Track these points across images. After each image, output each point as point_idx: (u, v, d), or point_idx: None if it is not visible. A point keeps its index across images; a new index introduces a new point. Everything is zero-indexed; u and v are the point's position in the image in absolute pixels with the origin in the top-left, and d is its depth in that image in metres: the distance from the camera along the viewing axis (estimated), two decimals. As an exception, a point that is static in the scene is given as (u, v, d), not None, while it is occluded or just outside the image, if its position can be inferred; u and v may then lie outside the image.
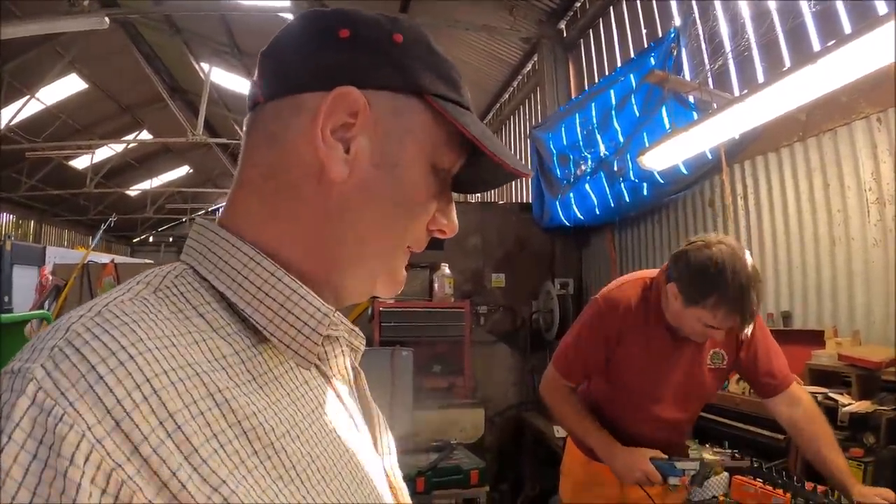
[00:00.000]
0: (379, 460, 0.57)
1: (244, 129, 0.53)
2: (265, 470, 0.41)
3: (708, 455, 2.35)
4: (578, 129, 4.00)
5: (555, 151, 4.26)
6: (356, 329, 0.55)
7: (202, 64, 7.93)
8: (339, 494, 0.46)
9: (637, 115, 3.39)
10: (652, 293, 1.72)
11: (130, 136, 10.30)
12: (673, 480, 1.64)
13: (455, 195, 0.60)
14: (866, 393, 2.03)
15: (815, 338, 2.33)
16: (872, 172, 2.38)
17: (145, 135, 10.61)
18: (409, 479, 2.85)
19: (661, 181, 3.40)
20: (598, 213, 3.95)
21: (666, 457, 1.67)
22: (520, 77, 6.51)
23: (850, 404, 1.93)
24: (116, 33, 6.56)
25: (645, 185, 3.52)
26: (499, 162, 0.52)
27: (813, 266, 2.62)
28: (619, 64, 4.34)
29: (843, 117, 2.44)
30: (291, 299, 0.48)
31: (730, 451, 2.53)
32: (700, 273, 1.52)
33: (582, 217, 4.11)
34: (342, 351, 0.54)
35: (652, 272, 1.79)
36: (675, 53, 3.15)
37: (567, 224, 4.23)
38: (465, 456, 3.17)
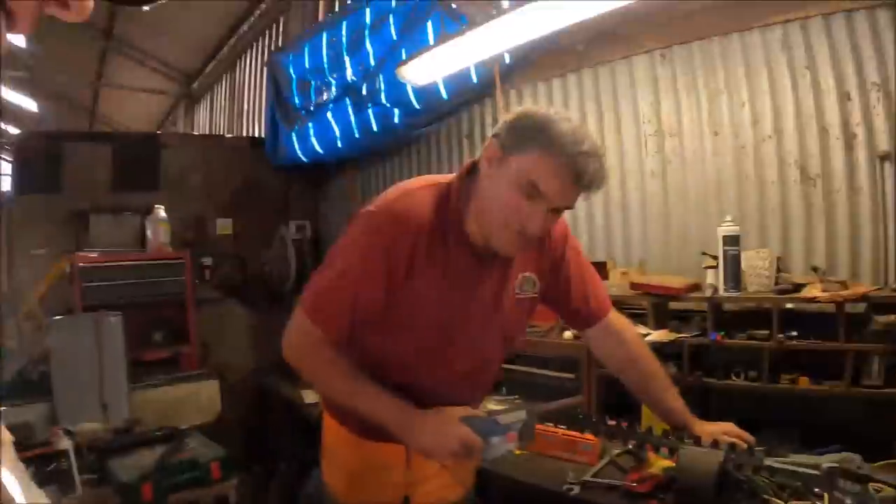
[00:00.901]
0: None
1: None
2: None
3: (493, 405, 2.21)
4: (325, 52, 3.46)
5: (294, 77, 3.67)
6: None
7: None
8: None
9: (394, 37, 3.02)
10: (451, 202, 1.30)
11: None
12: (497, 441, 1.28)
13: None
14: (660, 322, 2.11)
15: (598, 270, 2.35)
16: (652, 103, 2.49)
17: None
18: (133, 488, 2.12)
19: (417, 107, 3.13)
20: (340, 146, 3.54)
21: (479, 413, 1.33)
22: (263, 4, 5.55)
23: (648, 334, 1.96)
24: None
25: (397, 112, 3.20)
26: None
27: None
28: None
29: (625, 51, 2.46)
30: None
31: (509, 397, 2.45)
32: (529, 116, 1.24)
33: (322, 152, 3.65)
34: None
35: (444, 176, 1.39)
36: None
37: (304, 160, 3.72)
38: (201, 444, 2.52)
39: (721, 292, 2.08)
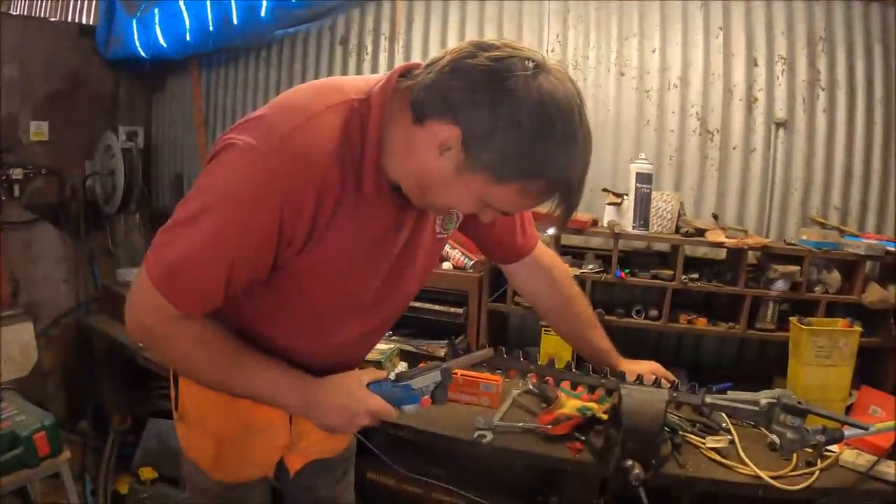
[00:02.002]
0: None
1: None
2: None
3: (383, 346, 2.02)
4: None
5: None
6: None
7: None
8: None
9: None
10: (369, 135, 0.94)
11: None
12: (411, 409, 1.12)
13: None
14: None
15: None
16: (559, 34, 2.44)
17: None
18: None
19: (294, 2, 2.66)
20: (189, 40, 2.90)
21: (387, 375, 1.12)
22: None
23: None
24: None
25: (266, 3, 2.68)
26: None
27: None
28: None
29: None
30: None
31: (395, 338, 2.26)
32: (538, 122, 0.87)
33: (165, 45, 2.96)
34: None
35: (350, 83, 0.99)
36: None
37: (143, 55, 3.01)
38: (18, 409, 1.99)
39: (629, 229, 2.07)
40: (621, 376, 1.41)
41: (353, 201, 0.96)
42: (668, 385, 1.41)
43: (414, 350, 2.19)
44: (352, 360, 1.22)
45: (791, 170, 2.31)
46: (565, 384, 1.71)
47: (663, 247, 2.35)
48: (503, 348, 1.44)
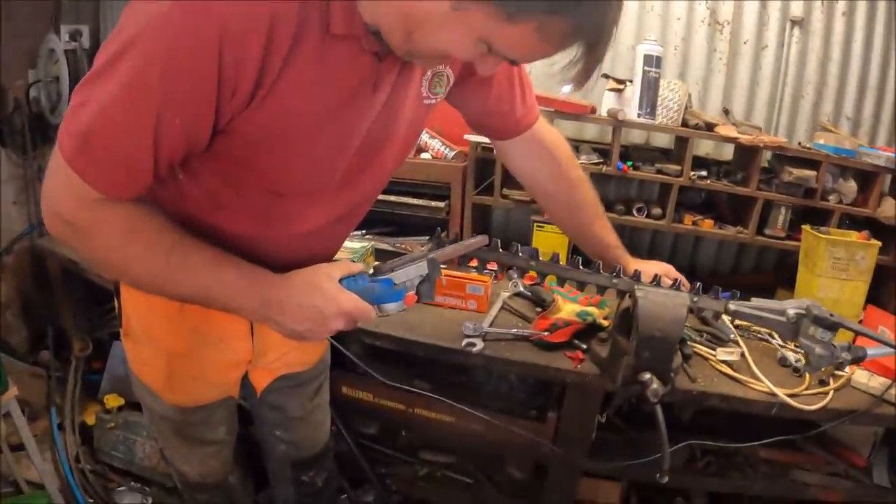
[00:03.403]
0: None
1: None
2: None
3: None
4: None
5: None
6: None
7: None
8: None
9: None
10: None
11: None
12: (393, 307, 0.94)
13: None
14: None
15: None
16: None
17: None
18: None
19: None
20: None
21: (363, 268, 0.93)
22: None
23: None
24: None
25: None
26: None
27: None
28: None
29: None
30: None
31: (359, 232, 2.03)
32: None
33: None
34: None
35: None
36: None
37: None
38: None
39: (634, 117, 1.85)
40: (636, 276, 1.23)
41: (317, 43, 0.75)
42: (688, 289, 1.24)
43: (390, 248, 2.00)
44: (319, 254, 1.02)
45: (804, 72, 2.13)
46: (567, 289, 1.54)
47: (663, 142, 2.16)
48: (498, 240, 1.25)
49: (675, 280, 1.26)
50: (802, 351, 1.24)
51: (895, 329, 1.58)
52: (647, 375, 1.16)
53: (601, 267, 1.24)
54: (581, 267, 1.25)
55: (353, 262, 0.96)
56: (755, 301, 1.26)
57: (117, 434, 2.11)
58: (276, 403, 1.28)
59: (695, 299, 1.22)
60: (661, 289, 1.22)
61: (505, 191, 1.96)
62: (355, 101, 0.84)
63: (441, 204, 2.03)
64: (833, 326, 1.19)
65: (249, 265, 0.86)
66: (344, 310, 0.87)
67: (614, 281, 1.23)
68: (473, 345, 1.46)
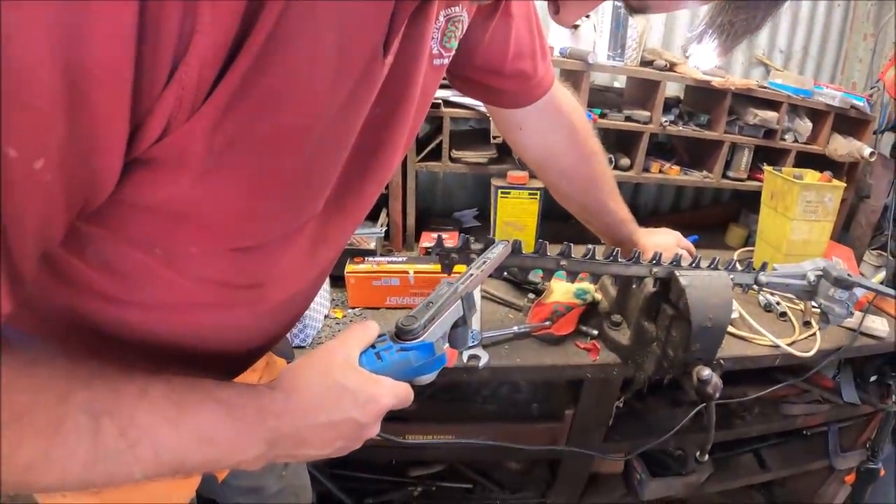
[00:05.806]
0: None
1: None
2: None
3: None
4: None
5: None
6: None
7: None
8: None
9: None
10: None
11: None
12: (431, 377, 0.69)
13: None
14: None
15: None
16: None
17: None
18: None
19: None
20: None
21: (380, 330, 0.67)
22: None
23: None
24: None
25: None
26: None
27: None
28: None
29: None
30: None
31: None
32: None
33: None
34: None
35: None
36: None
37: None
38: None
39: (603, 60, 1.70)
40: (676, 261, 1.14)
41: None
42: (709, 263, 1.18)
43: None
44: (286, 325, 0.75)
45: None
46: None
47: (620, 83, 2.04)
48: (519, 241, 1.07)
49: (695, 257, 1.19)
50: (819, 310, 1.27)
51: (848, 260, 1.71)
52: (707, 372, 1.08)
53: (632, 255, 1.11)
54: (620, 259, 1.13)
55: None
56: (779, 269, 1.25)
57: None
58: (250, 485, 1.05)
59: (731, 277, 1.17)
60: (701, 270, 1.15)
61: (454, 153, 1.66)
62: (367, 74, 0.53)
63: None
64: (850, 285, 1.22)
65: (226, 390, 0.52)
66: (385, 408, 0.61)
67: (654, 270, 1.14)
68: (478, 357, 1.20)
